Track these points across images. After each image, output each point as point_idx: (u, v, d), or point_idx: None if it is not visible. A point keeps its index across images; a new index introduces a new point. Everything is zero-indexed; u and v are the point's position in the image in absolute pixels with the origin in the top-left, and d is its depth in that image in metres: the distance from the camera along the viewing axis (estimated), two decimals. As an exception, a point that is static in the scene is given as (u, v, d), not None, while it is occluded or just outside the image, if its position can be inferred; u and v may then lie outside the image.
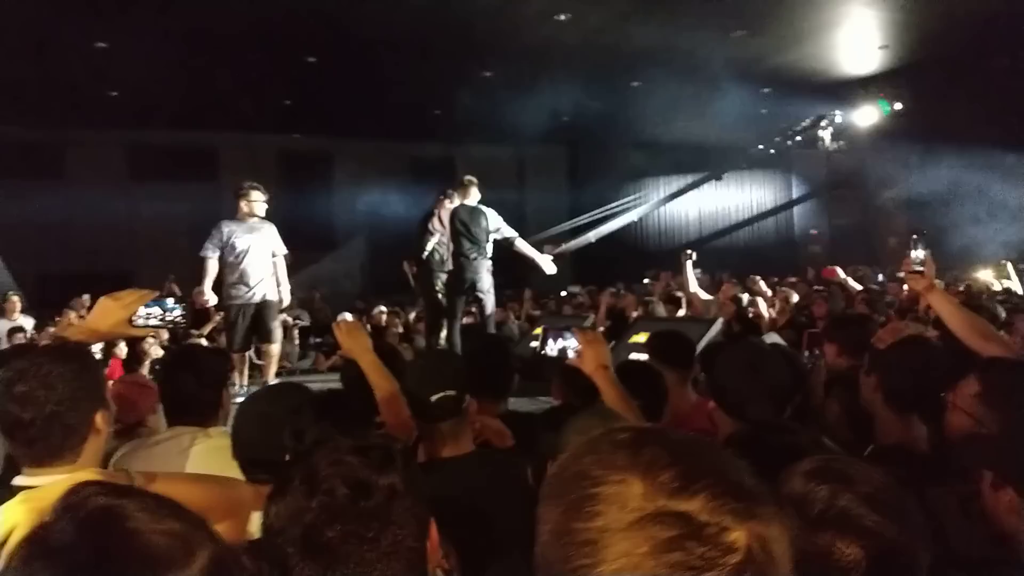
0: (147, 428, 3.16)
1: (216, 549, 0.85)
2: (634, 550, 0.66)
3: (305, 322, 10.83)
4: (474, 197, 6.87)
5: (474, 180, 6.93)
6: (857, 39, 11.21)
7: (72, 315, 8.60)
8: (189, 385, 2.47)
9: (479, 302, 6.72)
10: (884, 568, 1.14)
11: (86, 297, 9.22)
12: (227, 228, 6.48)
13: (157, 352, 6.38)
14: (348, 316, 9.01)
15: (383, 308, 10.76)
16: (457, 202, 6.94)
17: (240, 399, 2.34)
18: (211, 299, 6.50)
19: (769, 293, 9.52)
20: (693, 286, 7.23)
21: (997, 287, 9.16)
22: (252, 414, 2.07)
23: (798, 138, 12.62)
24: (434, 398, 2.40)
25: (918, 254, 2.93)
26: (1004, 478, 1.57)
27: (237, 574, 0.92)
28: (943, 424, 2.14)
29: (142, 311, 2.29)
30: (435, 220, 7.32)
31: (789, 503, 1.19)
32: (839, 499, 1.17)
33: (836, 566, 1.14)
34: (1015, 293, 8.75)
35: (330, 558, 1.08)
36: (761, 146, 13.03)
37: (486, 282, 6.72)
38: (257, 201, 6.56)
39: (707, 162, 16.49)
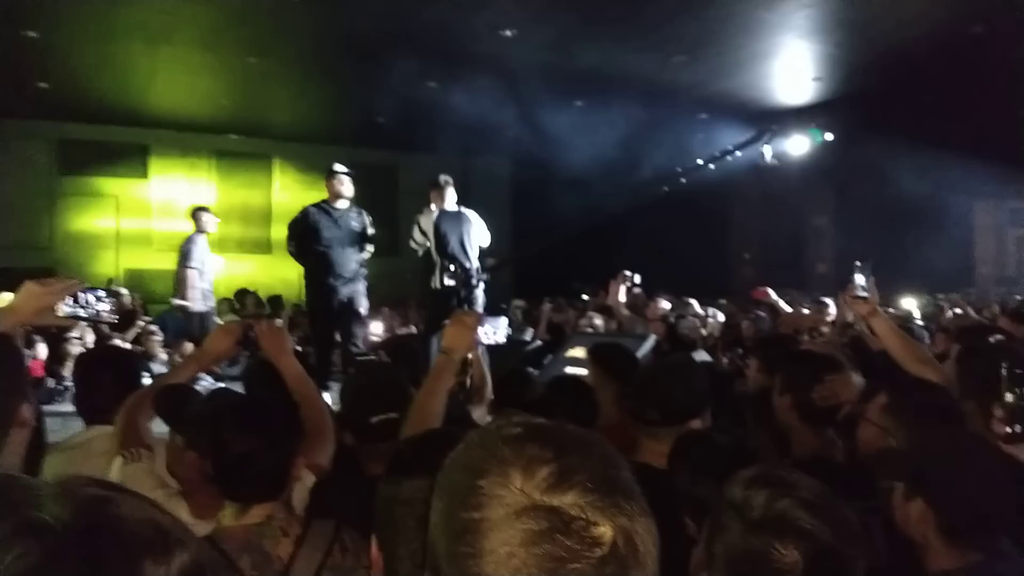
0: None
1: (198, 549, 0.84)
2: (510, 541, 0.72)
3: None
4: (452, 200, 6.36)
5: (450, 180, 6.43)
6: (792, 70, 11.59)
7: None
8: (106, 385, 2.41)
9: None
10: (821, 572, 1.17)
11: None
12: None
13: (79, 352, 6.17)
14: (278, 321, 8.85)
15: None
16: (435, 209, 6.37)
17: None
18: None
19: (702, 314, 9.72)
20: (622, 305, 7.28)
21: (918, 314, 9.51)
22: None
23: (738, 153, 12.84)
24: (374, 420, 2.36)
25: (861, 280, 3.05)
26: (915, 490, 1.66)
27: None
28: (856, 440, 2.23)
29: (68, 301, 2.21)
30: (416, 233, 6.59)
31: (730, 509, 1.23)
32: (777, 503, 1.20)
33: (774, 569, 1.16)
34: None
35: None
36: (702, 162, 13.23)
37: (480, 301, 6.25)
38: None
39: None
